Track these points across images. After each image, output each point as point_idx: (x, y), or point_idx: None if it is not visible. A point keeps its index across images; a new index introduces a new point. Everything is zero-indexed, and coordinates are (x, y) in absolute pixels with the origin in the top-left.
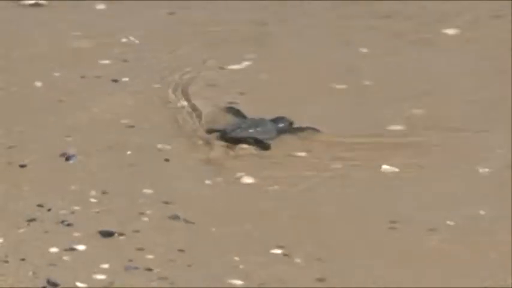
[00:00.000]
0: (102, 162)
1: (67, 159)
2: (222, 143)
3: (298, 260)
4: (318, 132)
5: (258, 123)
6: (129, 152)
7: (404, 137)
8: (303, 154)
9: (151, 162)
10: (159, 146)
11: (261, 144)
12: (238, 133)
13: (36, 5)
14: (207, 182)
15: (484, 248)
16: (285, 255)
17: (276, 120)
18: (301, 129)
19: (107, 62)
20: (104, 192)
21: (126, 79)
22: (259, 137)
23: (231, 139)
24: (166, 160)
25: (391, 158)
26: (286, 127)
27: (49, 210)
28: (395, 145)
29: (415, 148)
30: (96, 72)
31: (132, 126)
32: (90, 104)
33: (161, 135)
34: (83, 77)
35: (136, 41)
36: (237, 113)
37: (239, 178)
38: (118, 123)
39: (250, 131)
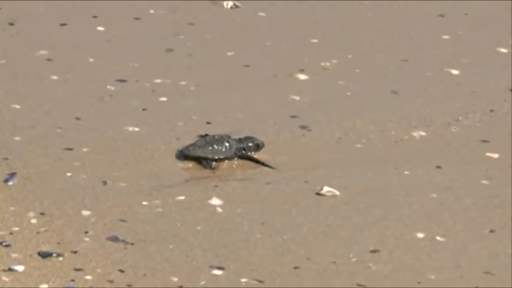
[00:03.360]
0: (40, 184)
1: (6, 180)
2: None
3: (242, 280)
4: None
5: (215, 141)
6: (68, 174)
7: None
8: (239, 183)
9: (90, 185)
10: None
11: (207, 165)
12: (190, 151)
13: None
14: (144, 203)
15: None
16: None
17: (242, 140)
18: (259, 162)
19: None
20: (42, 214)
21: None
22: (211, 156)
23: (188, 157)
24: (104, 182)
25: None
26: (250, 148)
27: None
28: None
29: None
30: None
31: (71, 149)
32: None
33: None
34: None
35: None
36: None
37: (177, 198)
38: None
39: (204, 149)
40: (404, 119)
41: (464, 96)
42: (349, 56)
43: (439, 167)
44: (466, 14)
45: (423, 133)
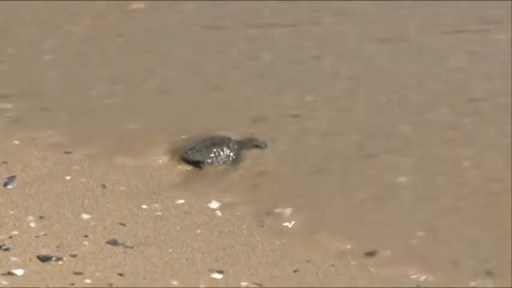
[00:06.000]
0: (40, 187)
1: (5, 184)
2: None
3: (241, 284)
4: None
5: (215, 144)
6: (68, 178)
7: None
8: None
9: (89, 188)
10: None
11: (206, 168)
12: (190, 155)
13: None
14: (144, 206)
15: None
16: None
17: (246, 142)
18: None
19: None
20: (41, 217)
21: None
22: (211, 159)
23: (187, 161)
24: (103, 186)
25: None
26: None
27: None
28: None
29: None
30: None
31: (70, 153)
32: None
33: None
34: None
35: None
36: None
37: (176, 202)
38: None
39: (203, 153)
40: None
41: None
42: None
43: None
44: None
45: None
